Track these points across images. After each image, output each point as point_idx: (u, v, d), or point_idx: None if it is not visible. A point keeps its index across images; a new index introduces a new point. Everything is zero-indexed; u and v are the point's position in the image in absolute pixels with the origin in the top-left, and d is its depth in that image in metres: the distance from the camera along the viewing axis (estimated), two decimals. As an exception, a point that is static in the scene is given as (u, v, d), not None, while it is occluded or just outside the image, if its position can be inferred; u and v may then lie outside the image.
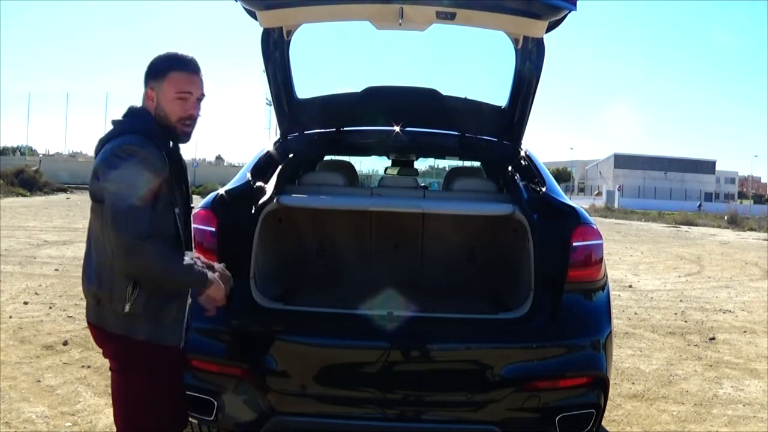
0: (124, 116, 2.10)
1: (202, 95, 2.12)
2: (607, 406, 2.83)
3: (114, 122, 2.10)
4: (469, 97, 3.77)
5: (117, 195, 1.93)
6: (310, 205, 3.42)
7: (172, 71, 2.06)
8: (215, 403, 2.60)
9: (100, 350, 2.19)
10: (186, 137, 2.13)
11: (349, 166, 4.24)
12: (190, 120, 2.11)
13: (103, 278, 2.02)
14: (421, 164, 6.88)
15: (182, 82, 2.06)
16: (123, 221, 1.92)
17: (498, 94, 3.72)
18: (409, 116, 3.75)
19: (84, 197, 31.41)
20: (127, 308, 1.98)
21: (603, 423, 3.15)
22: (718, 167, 77.48)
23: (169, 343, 2.07)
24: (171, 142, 2.13)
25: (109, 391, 4.01)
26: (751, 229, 25.57)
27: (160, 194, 2.01)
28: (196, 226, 2.62)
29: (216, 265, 2.25)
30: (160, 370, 2.07)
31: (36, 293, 6.76)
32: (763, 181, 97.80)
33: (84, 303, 2.16)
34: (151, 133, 2.04)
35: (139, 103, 2.12)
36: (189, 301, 2.12)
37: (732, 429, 3.77)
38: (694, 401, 4.20)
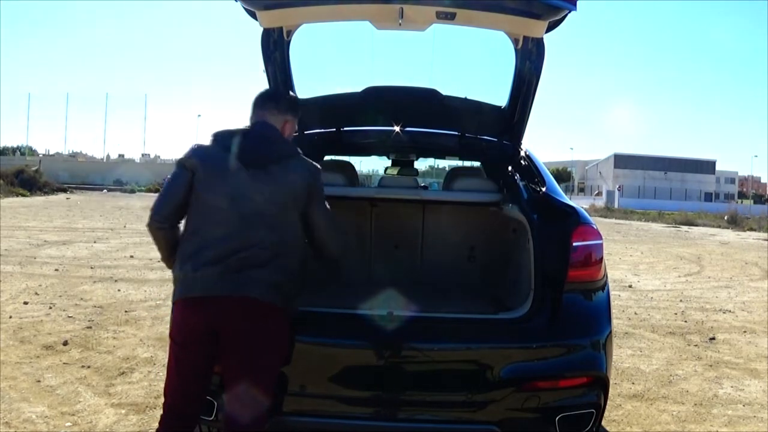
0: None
1: None
2: (607, 406, 2.83)
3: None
4: (469, 97, 3.77)
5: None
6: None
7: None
8: (215, 403, 2.59)
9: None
10: None
11: (349, 166, 4.24)
12: None
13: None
14: (421, 164, 6.89)
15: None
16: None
17: (498, 94, 3.72)
18: (409, 116, 3.76)
19: (84, 197, 31.44)
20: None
21: (603, 423, 3.16)
22: (718, 167, 77.46)
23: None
24: None
25: (109, 391, 4.02)
26: (751, 229, 25.57)
27: None
28: None
29: None
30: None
31: (36, 293, 6.76)
32: (763, 181, 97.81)
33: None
34: None
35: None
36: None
37: (732, 429, 3.77)
38: (694, 401, 4.20)
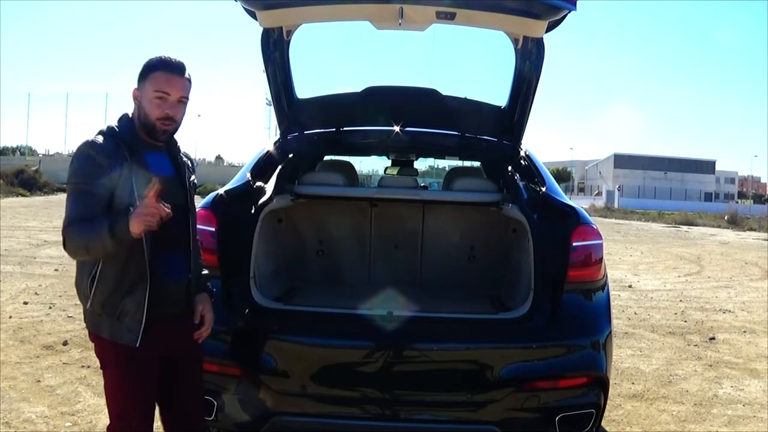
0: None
1: (184, 98, 2.14)
2: (607, 406, 2.84)
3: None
4: (469, 97, 3.77)
5: (67, 186, 2.08)
6: (323, 193, 3.56)
7: (154, 72, 2.10)
8: (215, 403, 2.60)
9: None
10: (163, 135, 2.15)
11: (349, 166, 4.24)
12: (169, 120, 2.12)
13: (78, 276, 2.14)
14: (421, 164, 6.89)
15: (162, 82, 2.09)
16: (67, 210, 2.05)
17: (498, 94, 3.72)
18: (409, 116, 3.76)
19: (84, 197, 31.43)
20: (88, 305, 2.08)
21: (603, 423, 3.15)
22: (718, 167, 77.43)
23: (126, 342, 2.07)
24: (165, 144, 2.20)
25: (109, 391, 4.02)
26: (751, 229, 25.56)
27: (115, 191, 2.04)
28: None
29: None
30: (125, 368, 2.09)
31: (36, 293, 6.76)
32: (763, 181, 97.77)
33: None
34: (115, 132, 2.12)
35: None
36: (146, 298, 2.07)
37: (732, 429, 3.77)
38: (694, 401, 4.20)
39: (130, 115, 2.17)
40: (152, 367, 2.15)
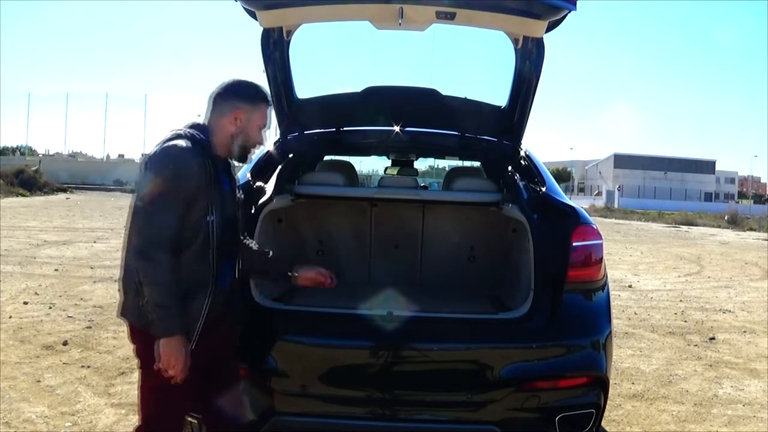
0: (186, 126, 2.22)
1: None
2: (607, 406, 2.84)
3: (173, 130, 2.21)
4: (469, 97, 3.77)
5: (150, 189, 2.05)
6: (323, 193, 3.56)
7: (262, 103, 2.28)
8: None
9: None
10: (247, 160, 2.43)
11: (349, 166, 4.24)
12: (257, 147, 2.39)
13: (127, 271, 2.12)
14: (421, 164, 6.89)
15: (267, 114, 2.31)
16: (141, 221, 2.04)
17: (498, 94, 3.72)
18: (409, 116, 3.76)
19: (83, 197, 31.42)
20: (143, 302, 2.05)
21: (603, 423, 3.15)
22: (718, 167, 77.44)
23: None
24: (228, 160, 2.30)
25: (109, 391, 4.03)
26: (751, 229, 25.57)
27: (193, 201, 2.10)
28: None
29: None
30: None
31: (36, 293, 6.76)
32: (763, 181, 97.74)
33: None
34: (201, 141, 2.16)
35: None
36: (208, 302, 2.14)
37: (732, 429, 3.77)
38: (694, 401, 4.20)
39: (203, 125, 2.23)
40: (196, 369, 2.16)
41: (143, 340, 2.13)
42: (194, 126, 2.22)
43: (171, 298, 2.03)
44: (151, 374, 2.11)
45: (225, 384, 2.36)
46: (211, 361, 2.26)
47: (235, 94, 2.24)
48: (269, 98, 2.31)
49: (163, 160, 2.08)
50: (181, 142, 2.11)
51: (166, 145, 2.12)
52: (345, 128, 3.81)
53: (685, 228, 25.84)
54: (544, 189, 3.17)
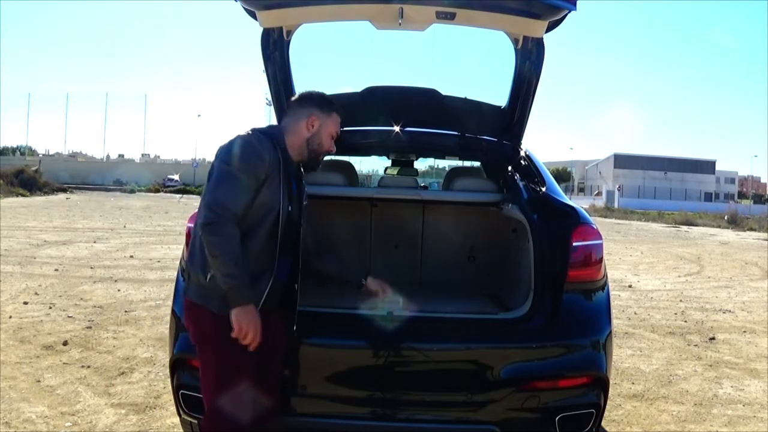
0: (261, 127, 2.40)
1: None
2: (607, 406, 2.83)
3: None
4: (469, 97, 3.77)
5: (219, 168, 2.21)
6: (323, 192, 3.57)
7: (334, 113, 2.47)
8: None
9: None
10: (317, 167, 2.52)
11: (349, 166, 4.24)
12: (327, 155, 2.52)
13: (195, 251, 2.26)
14: (421, 164, 6.88)
15: (338, 124, 2.49)
16: (210, 195, 2.17)
17: (498, 94, 3.72)
18: (409, 116, 3.76)
19: (84, 197, 31.46)
20: (207, 278, 2.18)
21: (603, 423, 3.16)
22: (718, 167, 77.51)
23: None
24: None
25: (109, 391, 4.03)
26: (751, 229, 25.59)
27: (261, 188, 2.22)
28: (192, 225, 2.64)
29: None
30: (227, 339, 2.16)
31: (36, 293, 6.76)
32: (763, 181, 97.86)
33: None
34: (276, 137, 2.31)
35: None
36: (269, 286, 2.25)
37: (732, 429, 3.77)
38: (694, 401, 4.20)
39: (278, 126, 2.39)
40: (254, 352, 2.22)
41: (199, 315, 2.24)
42: (269, 126, 2.37)
43: (239, 269, 2.13)
44: (210, 350, 2.23)
45: (264, 381, 2.39)
46: (258, 354, 2.28)
47: (310, 102, 2.45)
48: (341, 109, 2.48)
49: (238, 142, 2.23)
50: (257, 133, 2.27)
51: (241, 134, 2.27)
52: (345, 128, 3.81)
53: (685, 228, 25.86)
54: (544, 189, 3.17)
